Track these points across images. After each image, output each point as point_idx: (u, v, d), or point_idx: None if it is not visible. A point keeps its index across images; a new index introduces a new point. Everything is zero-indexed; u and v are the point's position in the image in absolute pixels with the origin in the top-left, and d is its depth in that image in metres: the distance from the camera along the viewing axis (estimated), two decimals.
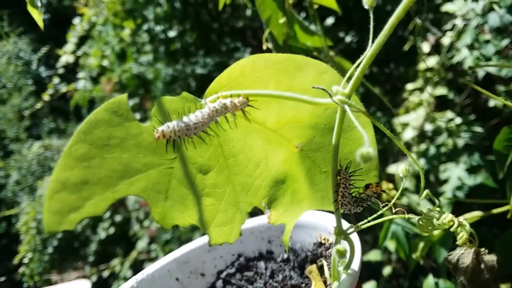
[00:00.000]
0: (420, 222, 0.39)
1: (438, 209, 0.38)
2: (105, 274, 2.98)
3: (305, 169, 0.45)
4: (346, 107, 0.34)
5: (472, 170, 1.55)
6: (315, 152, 0.44)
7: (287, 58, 0.40)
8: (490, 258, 0.36)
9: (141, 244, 2.77)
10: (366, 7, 0.38)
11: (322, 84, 0.38)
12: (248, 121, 0.41)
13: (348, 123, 0.41)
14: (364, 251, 1.89)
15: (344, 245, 0.41)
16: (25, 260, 3.24)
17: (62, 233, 3.31)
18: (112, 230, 3.14)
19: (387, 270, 1.83)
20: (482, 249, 0.37)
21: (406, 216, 0.40)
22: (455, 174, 1.54)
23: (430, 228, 0.38)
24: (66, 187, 0.35)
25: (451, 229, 0.37)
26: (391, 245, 1.26)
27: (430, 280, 1.12)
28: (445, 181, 1.56)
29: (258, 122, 0.44)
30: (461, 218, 0.37)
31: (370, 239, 2.03)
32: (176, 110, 0.39)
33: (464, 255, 0.37)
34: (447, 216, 0.37)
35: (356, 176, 0.40)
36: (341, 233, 0.41)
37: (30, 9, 0.77)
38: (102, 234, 3.14)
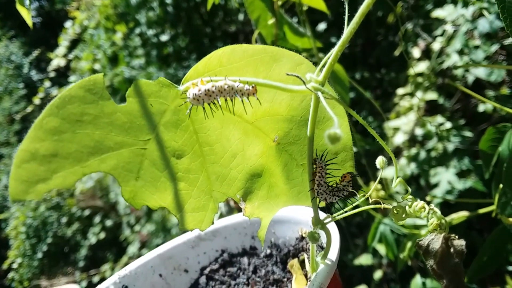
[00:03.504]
0: (394, 210, 0.39)
1: (410, 197, 0.39)
2: (95, 279, 2.94)
3: (282, 163, 0.45)
4: (319, 94, 0.34)
5: (462, 174, 1.56)
6: (292, 145, 0.44)
7: (263, 49, 0.41)
8: (459, 243, 0.37)
9: (132, 249, 2.74)
10: None
11: (298, 74, 0.38)
12: (232, 113, 0.41)
13: (323, 115, 0.42)
14: (355, 255, 1.89)
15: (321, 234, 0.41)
16: (15, 265, 3.20)
17: (52, 238, 3.28)
18: (102, 235, 3.11)
19: (378, 274, 1.83)
20: (452, 235, 0.37)
21: (382, 206, 0.40)
22: (445, 178, 1.55)
23: (404, 216, 0.39)
24: (35, 158, 0.35)
25: (422, 216, 0.38)
26: (381, 248, 1.26)
27: (417, 279, 1.12)
28: (436, 185, 1.57)
29: (236, 113, 0.44)
30: (432, 205, 0.37)
31: (361, 243, 2.03)
32: (152, 94, 0.39)
33: (434, 240, 0.37)
34: (418, 203, 0.38)
35: (332, 165, 0.41)
36: (318, 223, 0.41)
37: (18, 7, 0.76)
38: (92, 239, 3.11)
